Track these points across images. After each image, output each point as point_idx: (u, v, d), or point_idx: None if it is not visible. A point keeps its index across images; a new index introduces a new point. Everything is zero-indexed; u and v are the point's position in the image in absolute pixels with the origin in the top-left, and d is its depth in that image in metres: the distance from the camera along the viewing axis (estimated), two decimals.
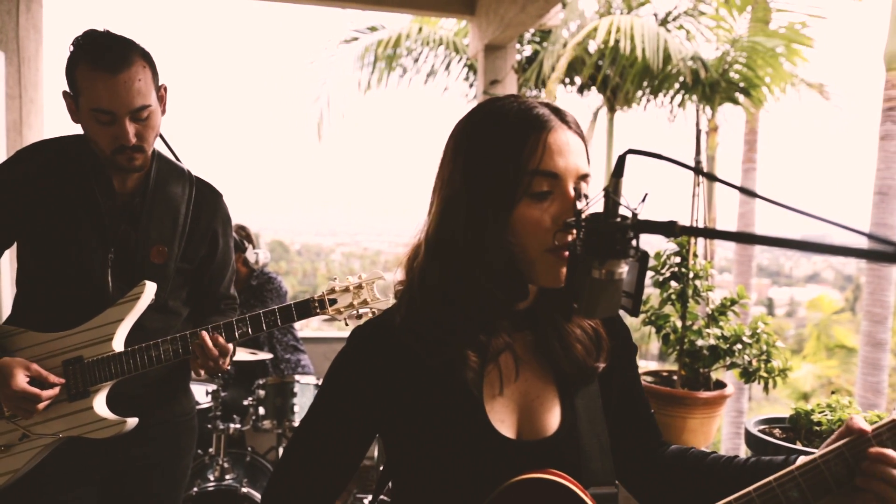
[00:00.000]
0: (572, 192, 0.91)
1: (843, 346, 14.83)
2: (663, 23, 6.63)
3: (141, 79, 1.49)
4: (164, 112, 1.62)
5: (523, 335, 1.01)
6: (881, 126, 6.54)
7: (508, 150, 0.91)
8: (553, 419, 0.97)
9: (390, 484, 1.06)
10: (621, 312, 0.88)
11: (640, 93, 6.84)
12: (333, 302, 1.65)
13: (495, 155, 0.92)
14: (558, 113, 0.95)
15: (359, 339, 1.00)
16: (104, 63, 1.46)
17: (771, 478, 0.87)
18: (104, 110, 1.48)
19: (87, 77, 1.47)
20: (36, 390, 1.49)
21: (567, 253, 0.90)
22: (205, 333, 1.58)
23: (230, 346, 1.62)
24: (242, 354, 3.21)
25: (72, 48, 1.50)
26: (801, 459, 0.90)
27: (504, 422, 0.95)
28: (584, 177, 0.94)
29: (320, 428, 1.00)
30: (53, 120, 3.75)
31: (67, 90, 1.53)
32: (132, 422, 1.58)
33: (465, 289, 0.95)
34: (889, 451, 0.85)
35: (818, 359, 14.93)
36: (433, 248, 0.97)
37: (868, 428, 0.87)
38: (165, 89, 1.62)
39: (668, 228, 0.69)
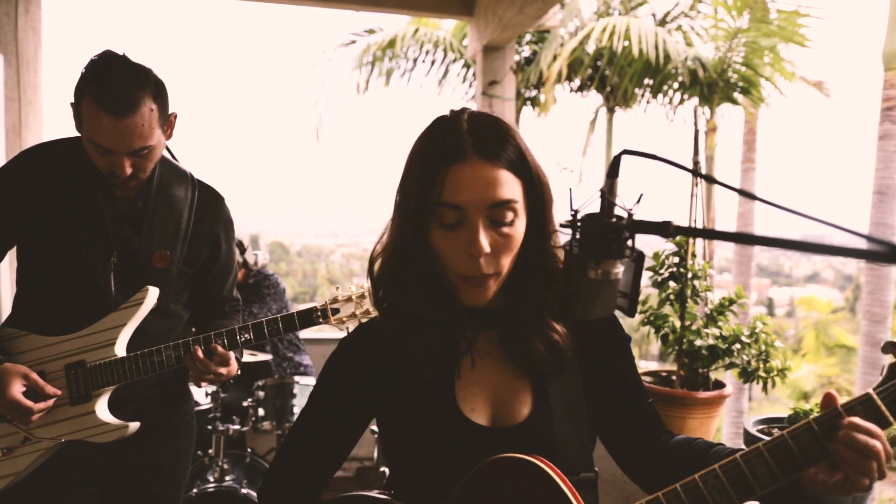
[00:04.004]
0: (479, 223, 0.94)
1: (844, 346, 14.85)
2: (661, 23, 6.63)
3: (145, 123, 1.45)
4: (169, 137, 1.61)
5: (490, 332, 1.07)
6: (880, 126, 6.54)
7: (417, 181, 0.98)
8: (524, 408, 1.02)
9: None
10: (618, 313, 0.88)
11: (639, 92, 6.85)
12: (336, 311, 1.66)
13: (410, 184, 0.99)
14: (477, 140, 0.96)
15: (347, 340, 1.13)
16: (109, 105, 1.41)
17: (738, 454, 0.86)
18: (102, 147, 1.46)
19: (90, 113, 1.43)
20: (28, 403, 1.49)
21: (473, 285, 0.98)
22: (197, 347, 1.57)
23: (230, 353, 1.60)
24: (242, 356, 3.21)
25: (84, 72, 1.47)
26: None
27: (475, 410, 1.02)
28: (500, 204, 0.95)
29: (316, 415, 1.11)
30: (52, 122, 3.75)
31: (73, 103, 1.50)
32: (134, 426, 1.58)
33: (405, 299, 1.04)
34: (860, 420, 0.82)
35: (818, 358, 14.95)
36: (385, 256, 1.06)
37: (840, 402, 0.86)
38: (175, 117, 1.59)
39: (663, 229, 0.70)
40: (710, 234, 0.68)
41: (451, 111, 1.03)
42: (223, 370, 1.59)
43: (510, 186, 0.96)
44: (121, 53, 1.51)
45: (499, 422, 1.02)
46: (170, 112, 1.57)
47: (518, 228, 0.98)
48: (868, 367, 6.86)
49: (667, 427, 1.15)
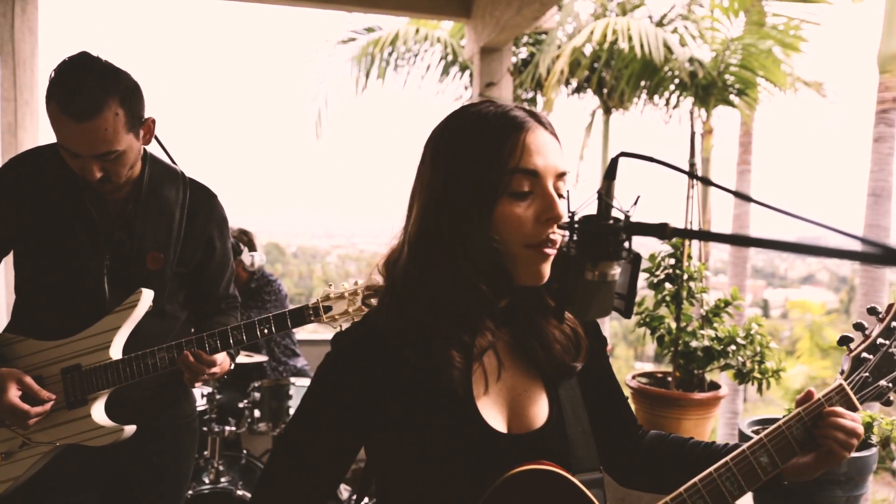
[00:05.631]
0: (552, 190, 0.94)
1: (838, 348, 14.90)
2: (658, 25, 6.65)
3: (109, 127, 1.43)
4: (147, 142, 1.59)
5: (504, 332, 1.04)
6: (874, 128, 6.57)
7: (489, 150, 0.94)
8: (541, 412, 1.01)
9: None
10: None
11: (635, 95, 6.86)
12: (328, 309, 1.64)
13: (477, 156, 0.95)
14: (534, 115, 0.98)
15: (342, 344, 1.01)
16: (71, 109, 1.40)
17: (744, 446, 0.99)
18: (68, 150, 1.46)
19: (55, 117, 1.43)
20: (26, 407, 1.48)
21: (547, 249, 0.94)
22: (187, 352, 1.57)
23: (216, 357, 1.60)
24: (238, 357, 3.20)
25: (52, 75, 1.45)
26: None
27: (495, 417, 0.98)
28: (561, 175, 0.97)
29: (307, 435, 1.00)
30: (49, 123, 3.74)
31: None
32: (130, 429, 1.58)
33: (450, 287, 0.97)
34: (838, 408, 1.01)
35: (813, 359, 15.02)
36: (417, 250, 0.99)
37: (819, 395, 1.04)
38: (153, 122, 1.58)
39: (659, 230, 0.70)
40: (706, 235, 0.68)
41: (468, 104, 1.02)
42: (215, 370, 1.61)
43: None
44: (95, 55, 1.49)
45: (515, 427, 0.99)
46: (146, 116, 1.55)
47: None
48: None
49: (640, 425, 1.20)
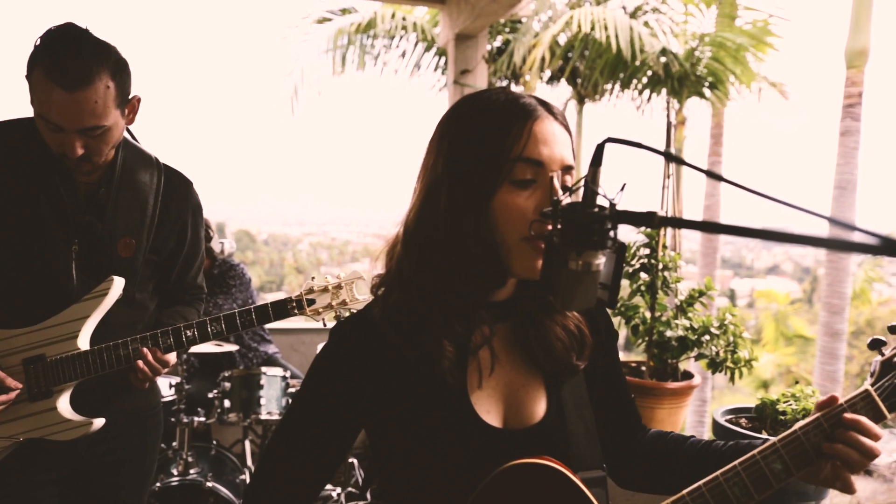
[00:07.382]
0: (556, 182, 0.91)
1: (801, 336, 15.32)
2: (631, 17, 6.67)
3: (99, 99, 1.37)
4: (131, 122, 1.53)
5: (504, 326, 1.00)
6: (841, 122, 6.72)
7: (492, 136, 0.91)
8: (539, 407, 0.98)
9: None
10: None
11: (609, 85, 6.88)
12: (311, 302, 1.62)
13: (479, 141, 0.92)
14: (545, 105, 0.95)
15: (340, 334, 1.00)
16: (61, 78, 1.33)
17: (755, 451, 0.91)
18: (52, 122, 1.37)
19: (40, 84, 1.35)
20: None
21: (543, 244, 0.89)
22: (145, 350, 1.52)
23: (170, 357, 1.57)
24: (208, 346, 3.14)
25: (38, 41, 1.38)
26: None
27: (490, 411, 0.96)
28: (568, 168, 0.94)
29: (303, 423, 1.00)
30: None
31: (26, 75, 1.41)
32: (99, 423, 1.52)
33: (442, 277, 0.94)
34: (862, 418, 0.90)
35: (777, 348, 15.40)
36: (412, 236, 0.97)
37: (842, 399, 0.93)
38: (139, 100, 1.52)
39: (647, 219, 0.68)
40: (694, 224, 0.66)
41: (479, 91, 1.00)
42: (167, 370, 1.59)
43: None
44: (83, 27, 1.43)
45: (512, 423, 0.97)
46: (132, 95, 1.50)
47: None
48: (826, 357, 7.07)
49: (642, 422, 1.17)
